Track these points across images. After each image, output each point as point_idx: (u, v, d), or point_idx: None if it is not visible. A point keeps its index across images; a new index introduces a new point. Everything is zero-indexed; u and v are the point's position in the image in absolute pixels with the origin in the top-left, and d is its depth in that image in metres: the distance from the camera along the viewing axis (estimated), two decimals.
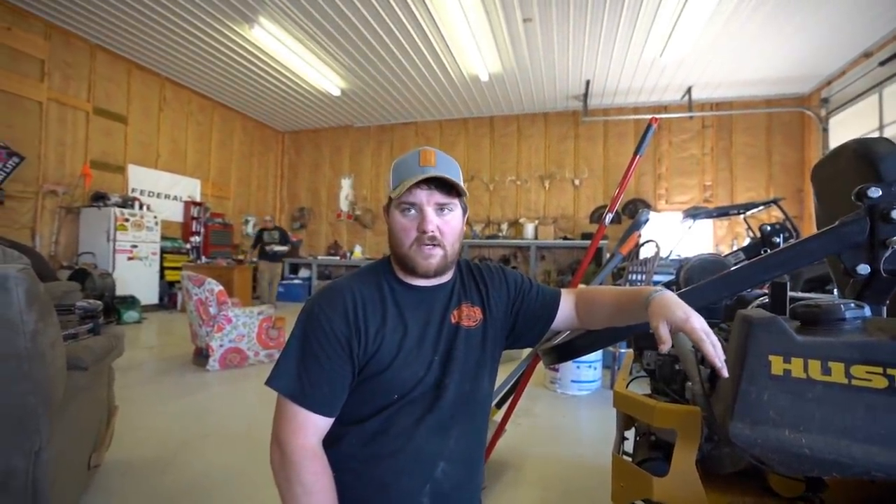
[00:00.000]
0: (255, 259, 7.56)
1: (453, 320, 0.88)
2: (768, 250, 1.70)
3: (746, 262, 0.91)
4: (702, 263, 1.26)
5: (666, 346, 0.70)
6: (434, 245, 0.82)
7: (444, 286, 0.91)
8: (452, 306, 0.89)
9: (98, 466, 1.79)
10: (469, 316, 0.90)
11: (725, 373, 0.69)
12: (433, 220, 0.82)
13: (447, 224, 0.84)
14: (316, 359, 0.78)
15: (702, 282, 0.91)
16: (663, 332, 0.71)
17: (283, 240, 7.38)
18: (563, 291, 0.98)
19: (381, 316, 0.83)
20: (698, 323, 0.71)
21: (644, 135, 1.35)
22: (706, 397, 0.97)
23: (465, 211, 0.89)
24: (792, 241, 1.76)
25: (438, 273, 0.85)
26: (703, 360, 1.07)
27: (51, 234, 5.67)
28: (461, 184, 0.84)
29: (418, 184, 0.81)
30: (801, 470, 0.71)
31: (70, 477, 1.51)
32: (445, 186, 0.83)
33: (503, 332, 0.94)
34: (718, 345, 0.70)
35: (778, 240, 1.61)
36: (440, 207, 0.83)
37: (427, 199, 0.82)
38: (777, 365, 0.75)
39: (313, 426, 0.77)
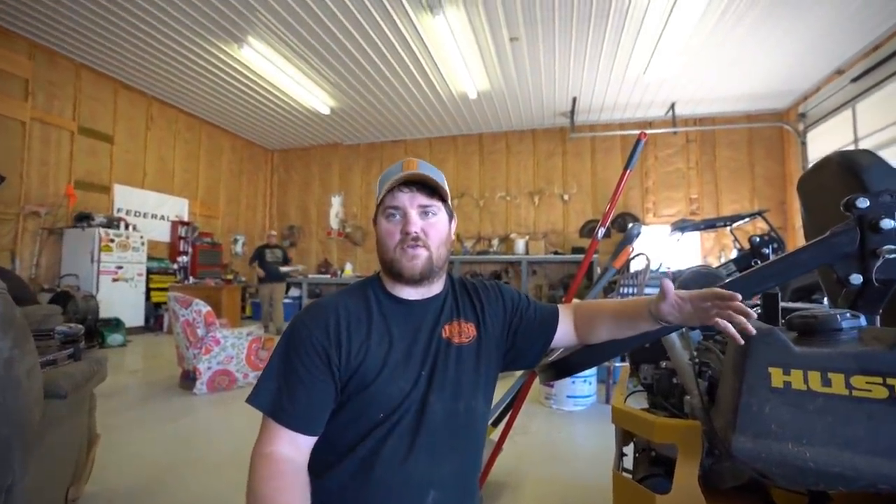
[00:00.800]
0: (260, 277, 6.91)
1: (444, 335, 0.86)
2: (758, 262, 1.72)
3: (740, 274, 0.91)
4: (695, 276, 1.27)
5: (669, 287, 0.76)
6: (418, 246, 0.82)
7: (435, 300, 0.89)
8: (443, 321, 0.87)
9: (76, 500, 1.70)
10: (462, 332, 0.87)
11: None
12: (416, 222, 0.82)
13: (432, 227, 0.84)
14: (296, 373, 0.77)
15: None
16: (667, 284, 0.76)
17: (286, 259, 7.21)
18: (561, 307, 0.96)
19: (365, 328, 0.81)
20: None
21: (634, 149, 1.37)
22: (706, 411, 0.96)
23: (451, 217, 0.89)
24: (781, 252, 1.78)
25: (424, 276, 0.83)
26: (700, 372, 1.07)
27: (32, 256, 5.54)
28: (444, 185, 0.85)
29: (400, 187, 0.82)
30: (806, 484, 0.70)
31: None
32: (428, 189, 0.84)
33: (499, 350, 0.92)
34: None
35: (767, 251, 1.63)
36: (423, 211, 0.84)
37: (410, 201, 0.83)
38: (777, 377, 0.74)
39: (289, 443, 0.75)
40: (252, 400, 0.77)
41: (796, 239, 6.65)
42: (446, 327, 0.87)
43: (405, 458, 0.77)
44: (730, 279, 0.88)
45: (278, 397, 0.76)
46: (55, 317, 2.03)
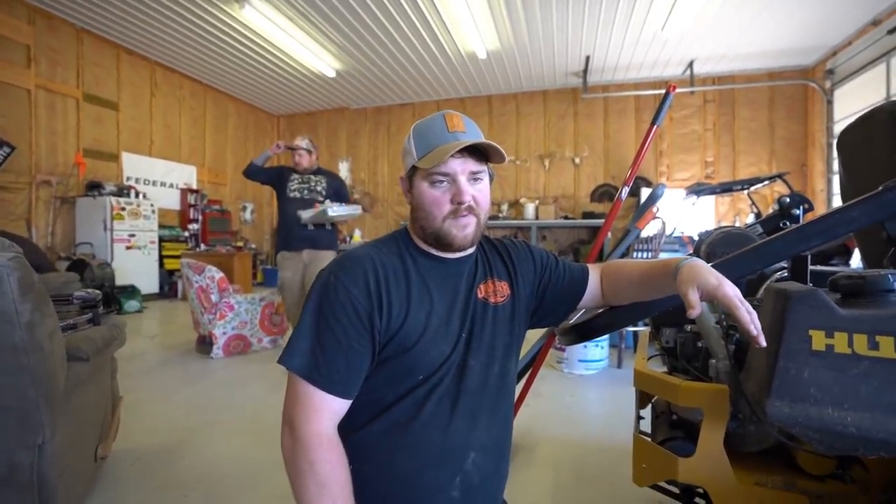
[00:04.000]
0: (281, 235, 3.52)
1: (480, 295, 0.83)
2: (787, 223, 1.65)
3: (778, 234, 0.86)
4: (726, 237, 1.22)
5: (696, 311, 0.67)
6: (469, 214, 0.78)
7: (468, 258, 0.86)
8: (478, 280, 0.85)
9: (105, 457, 1.77)
10: (497, 291, 0.85)
11: (763, 341, 0.65)
12: (468, 191, 0.77)
13: (480, 192, 0.79)
14: (332, 333, 0.71)
15: (732, 254, 0.87)
16: (693, 297, 0.68)
17: (341, 194, 3.52)
18: (590, 267, 0.93)
19: (404, 288, 0.77)
20: (731, 290, 0.67)
21: (661, 103, 1.29)
22: (733, 375, 0.93)
23: (491, 178, 0.85)
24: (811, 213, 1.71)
25: (473, 244, 0.81)
26: (728, 335, 1.03)
27: (47, 225, 5.59)
28: (499, 147, 0.78)
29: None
30: (845, 449, 0.68)
31: (78, 469, 1.49)
32: (478, 153, 0.77)
33: (528, 310, 0.90)
34: (754, 313, 0.65)
35: (798, 212, 1.57)
36: (473, 177, 0.78)
37: (461, 168, 0.76)
38: (818, 340, 0.71)
39: (329, 409, 0.71)
40: (285, 361, 0.72)
41: (817, 203, 6.45)
42: (481, 287, 0.84)
43: (448, 421, 0.76)
44: (770, 238, 0.83)
45: (313, 359, 0.71)
46: (73, 283, 2.04)
